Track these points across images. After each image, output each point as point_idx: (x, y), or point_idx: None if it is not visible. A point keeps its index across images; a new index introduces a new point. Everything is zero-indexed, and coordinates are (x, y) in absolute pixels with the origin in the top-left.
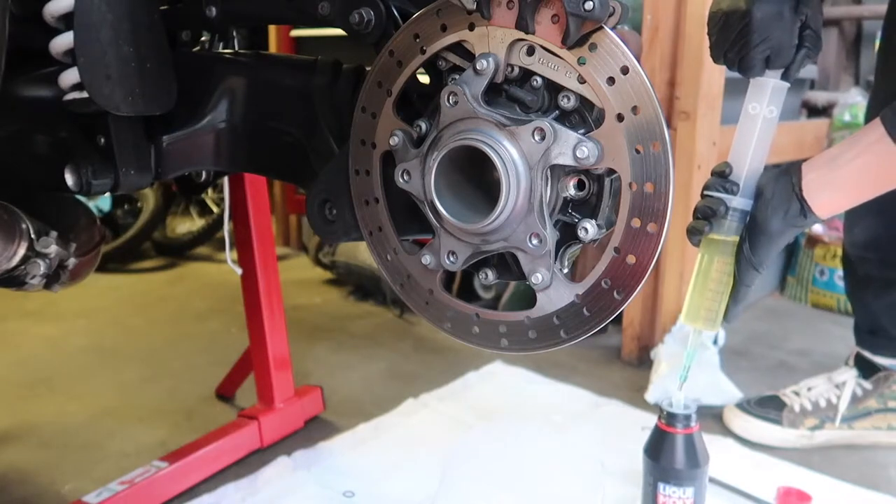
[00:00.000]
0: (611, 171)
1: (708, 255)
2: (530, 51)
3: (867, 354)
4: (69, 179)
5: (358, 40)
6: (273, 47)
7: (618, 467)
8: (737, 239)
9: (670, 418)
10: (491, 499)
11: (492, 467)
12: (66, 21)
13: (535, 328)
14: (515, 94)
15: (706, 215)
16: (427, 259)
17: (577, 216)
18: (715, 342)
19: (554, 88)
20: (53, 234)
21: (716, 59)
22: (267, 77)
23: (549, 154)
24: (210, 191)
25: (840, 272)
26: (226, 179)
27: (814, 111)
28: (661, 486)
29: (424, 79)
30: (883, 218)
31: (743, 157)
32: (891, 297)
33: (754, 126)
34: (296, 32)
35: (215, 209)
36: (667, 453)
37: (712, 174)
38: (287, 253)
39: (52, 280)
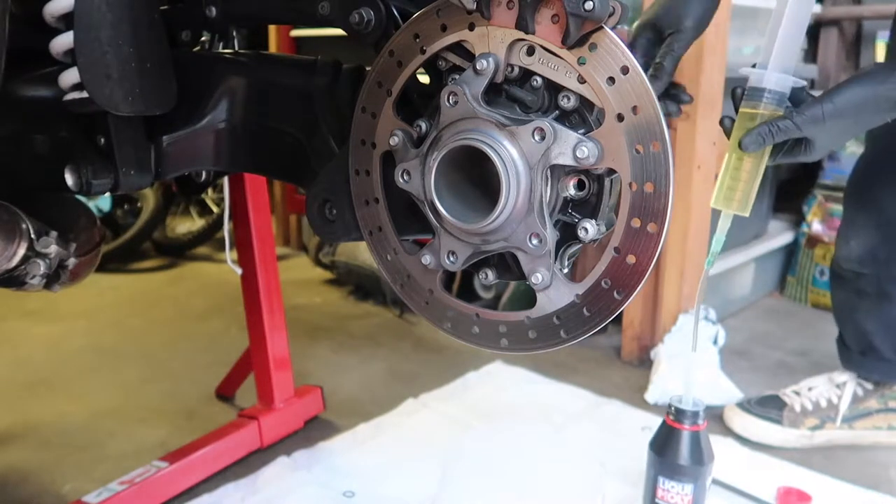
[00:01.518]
0: (611, 171)
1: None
2: (530, 51)
3: (858, 378)
4: (69, 179)
5: (358, 40)
6: (273, 47)
7: (618, 467)
8: (775, 113)
9: (678, 414)
10: (491, 499)
11: (492, 467)
12: (66, 21)
13: (535, 328)
14: (515, 94)
15: (733, 96)
16: (427, 259)
17: (577, 216)
18: (715, 342)
19: (554, 88)
20: (53, 234)
21: None
22: (267, 77)
23: (549, 154)
24: (210, 191)
25: None
26: (226, 179)
27: None
28: (661, 479)
29: (424, 79)
30: (882, 231)
31: (773, 32)
32: (885, 315)
33: (782, 4)
34: (296, 32)
35: (215, 209)
36: (671, 449)
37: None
38: (287, 253)
39: (52, 280)
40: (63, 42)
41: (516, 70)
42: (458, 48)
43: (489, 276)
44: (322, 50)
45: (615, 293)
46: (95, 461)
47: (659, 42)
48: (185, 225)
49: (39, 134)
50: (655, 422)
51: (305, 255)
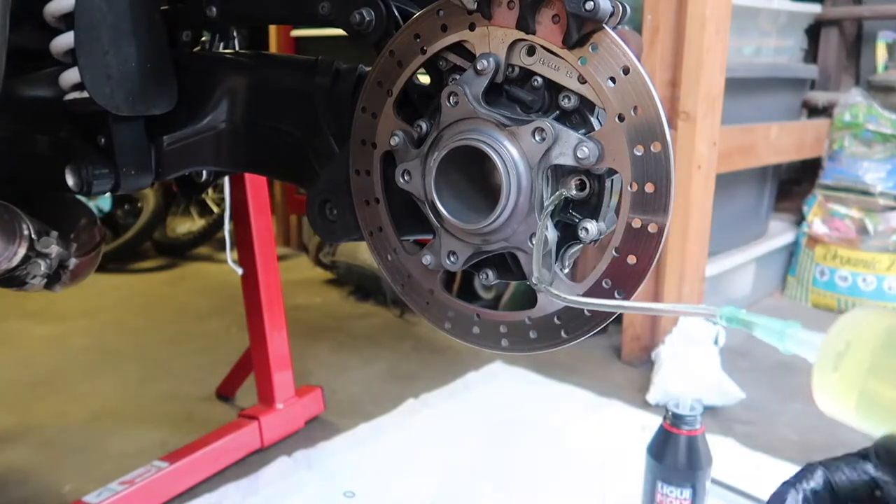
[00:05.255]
0: (612, 171)
1: None
2: (531, 51)
3: None
4: (70, 180)
5: (358, 40)
6: (273, 47)
7: (618, 467)
8: None
9: (675, 419)
10: (491, 499)
11: (492, 467)
12: (67, 21)
13: (535, 328)
14: (516, 94)
15: None
16: (427, 259)
17: (578, 216)
18: (715, 342)
19: (554, 88)
20: (54, 234)
21: None
22: (267, 77)
23: (549, 154)
24: (210, 191)
25: (841, 272)
26: (226, 179)
27: (814, 111)
28: (660, 484)
29: (425, 79)
30: None
31: None
32: None
33: None
34: (296, 32)
35: (215, 209)
36: (669, 454)
37: None
38: (287, 253)
39: (52, 280)
40: (63, 42)
41: (517, 70)
42: (459, 48)
43: (490, 276)
44: (322, 50)
45: (616, 293)
46: (95, 461)
47: None
48: (186, 225)
49: (40, 134)
50: (655, 422)
51: (305, 255)
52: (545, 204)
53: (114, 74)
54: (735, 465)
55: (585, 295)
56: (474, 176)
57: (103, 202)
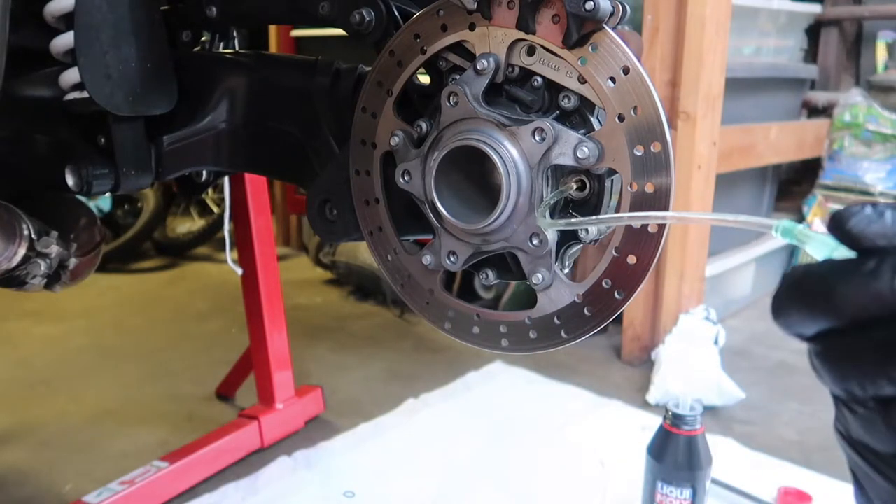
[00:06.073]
0: (612, 171)
1: None
2: (531, 51)
3: None
4: (70, 180)
5: (358, 40)
6: (273, 47)
7: (618, 467)
8: None
9: (675, 419)
10: (491, 499)
11: (492, 467)
12: (67, 21)
13: (535, 328)
14: (516, 94)
15: None
16: (427, 259)
17: (578, 216)
18: (715, 342)
19: (554, 88)
20: (54, 234)
21: None
22: (267, 77)
23: (549, 154)
24: (210, 191)
25: None
26: (226, 179)
27: (814, 111)
28: (660, 485)
29: (425, 79)
30: None
31: None
32: None
33: None
34: (296, 32)
35: (215, 209)
36: (669, 454)
37: None
38: (287, 253)
39: (52, 280)
40: (63, 42)
41: (517, 70)
42: (459, 48)
43: (490, 276)
44: (322, 50)
45: (616, 293)
46: (95, 461)
47: None
48: (186, 225)
49: (40, 134)
50: (655, 422)
51: (305, 255)
52: (547, 196)
53: (114, 74)
54: (735, 465)
55: (585, 294)
56: (474, 176)
57: (103, 202)
